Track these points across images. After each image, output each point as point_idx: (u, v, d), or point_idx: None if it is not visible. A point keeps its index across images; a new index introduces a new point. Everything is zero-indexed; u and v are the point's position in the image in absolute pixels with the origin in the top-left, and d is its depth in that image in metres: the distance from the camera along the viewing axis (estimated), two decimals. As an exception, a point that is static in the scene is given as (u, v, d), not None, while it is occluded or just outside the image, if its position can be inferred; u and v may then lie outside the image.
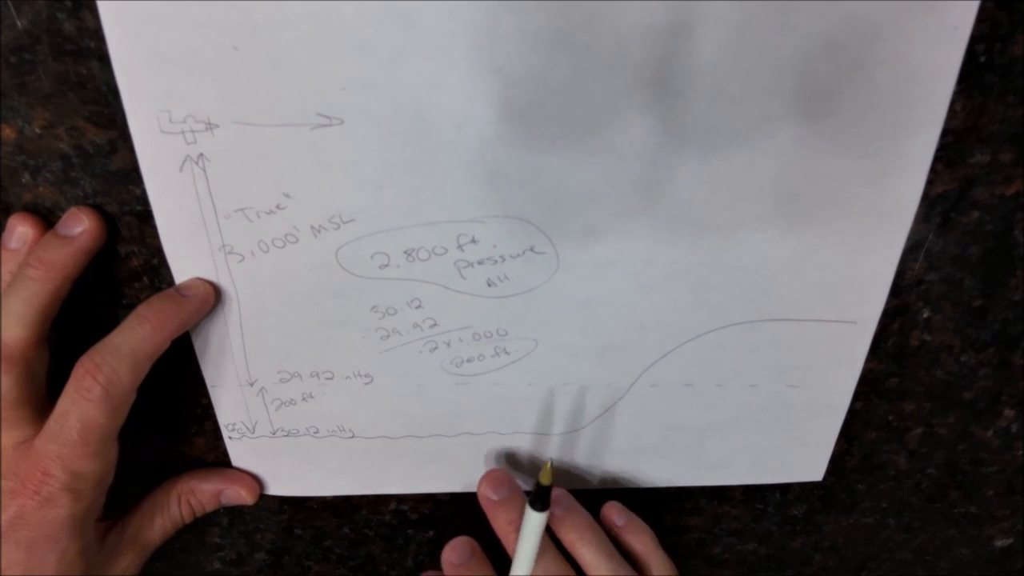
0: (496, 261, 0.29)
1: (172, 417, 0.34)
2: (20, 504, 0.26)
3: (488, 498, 0.33)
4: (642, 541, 0.34)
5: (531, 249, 0.29)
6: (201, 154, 0.26)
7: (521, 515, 0.31)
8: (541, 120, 0.25)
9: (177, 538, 0.38)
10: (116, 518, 0.32)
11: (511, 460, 0.35)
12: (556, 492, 0.33)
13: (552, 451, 0.35)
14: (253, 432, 0.34)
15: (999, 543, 0.42)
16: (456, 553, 0.34)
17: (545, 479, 0.30)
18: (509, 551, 0.32)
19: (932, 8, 0.23)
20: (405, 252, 0.28)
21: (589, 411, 0.34)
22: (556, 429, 0.34)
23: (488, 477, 0.33)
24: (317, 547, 0.39)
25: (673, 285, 0.30)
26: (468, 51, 0.24)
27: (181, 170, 0.26)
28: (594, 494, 0.38)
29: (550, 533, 0.33)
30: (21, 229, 0.27)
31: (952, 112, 0.26)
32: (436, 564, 0.37)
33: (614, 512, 0.35)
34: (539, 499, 0.30)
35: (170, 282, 0.29)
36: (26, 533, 0.27)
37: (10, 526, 0.26)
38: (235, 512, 0.38)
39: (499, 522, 0.33)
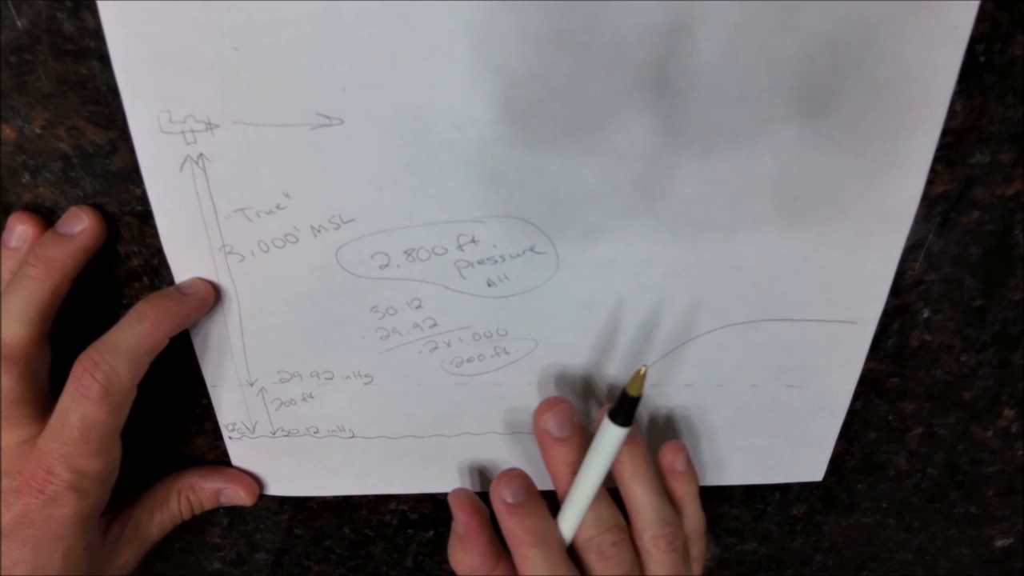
0: (496, 261, 0.29)
1: (172, 417, 0.34)
2: (25, 503, 0.26)
3: (549, 433, 0.29)
4: (684, 490, 0.31)
5: (531, 249, 0.29)
6: (201, 154, 0.26)
7: (581, 459, 0.28)
8: (541, 120, 0.25)
9: (177, 538, 0.38)
10: (116, 512, 0.32)
11: (511, 460, 0.35)
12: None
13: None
14: (253, 432, 0.34)
15: (999, 543, 0.42)
16: (511, 490, 0.29)
17: (634, 390, 0.25)
18: (560, 493, 0.30)
19: (932, 8, 0.23)
20: (405, 252, 0.28)
21: (589, 412, 0.34)
22: (556, 429, 0.34)
23: (553, 411, 0.29)
24: (317, 547, 0.39)
25: (673, 285, 0.30)
26: (468, 51, 0.24)
27: (181, 170, 0.26)
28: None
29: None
30: (21, 228, 0.27)
31: (952, 112, 0.26)
32: (436, 564, 0.37)
33: (676, 458, 0.31)
34: (622, 412, 0.25)
35: (170, 282, 0.29)
36: (31, 531, 0.27)
37: (15, 524, 0.26)
38: (235, 512, 0.38)
39: (557, 462, 0.29)
